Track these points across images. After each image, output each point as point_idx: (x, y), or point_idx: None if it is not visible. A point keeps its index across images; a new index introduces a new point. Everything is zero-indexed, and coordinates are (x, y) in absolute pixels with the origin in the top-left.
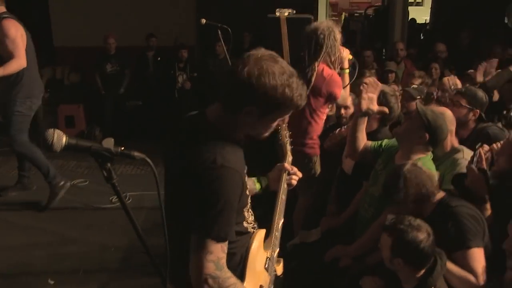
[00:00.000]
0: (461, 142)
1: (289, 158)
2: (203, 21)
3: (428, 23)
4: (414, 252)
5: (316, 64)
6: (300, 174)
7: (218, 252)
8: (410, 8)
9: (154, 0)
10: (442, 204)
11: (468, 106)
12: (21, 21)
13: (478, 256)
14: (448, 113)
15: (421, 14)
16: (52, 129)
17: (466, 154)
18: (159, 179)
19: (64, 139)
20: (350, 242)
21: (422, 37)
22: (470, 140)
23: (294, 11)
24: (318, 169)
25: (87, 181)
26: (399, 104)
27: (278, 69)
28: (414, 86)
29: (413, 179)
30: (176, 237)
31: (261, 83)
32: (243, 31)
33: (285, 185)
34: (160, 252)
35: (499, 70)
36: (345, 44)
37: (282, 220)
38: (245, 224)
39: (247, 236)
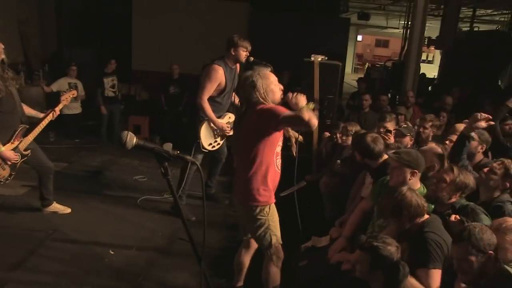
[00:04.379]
0: None
1: None
2: (251, 59)
3: (436, 78)
4: (390, 263)
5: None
6: None
7: None
8: (422, 64)
9: (213, 40)
10: (421, 227)
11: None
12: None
13: (435, 277)
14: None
15: (430, 70)
16: (126, 131)
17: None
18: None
19: (134, 139)
20: (353, 250)
21: (430, 89)
22: None
23: (326, 58)
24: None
25: (145, 178)
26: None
27: None
28: (404, 126)
29: (412, 199)
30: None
31: None
32: (283, 70)
33: None
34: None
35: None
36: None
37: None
38: None
39: None
